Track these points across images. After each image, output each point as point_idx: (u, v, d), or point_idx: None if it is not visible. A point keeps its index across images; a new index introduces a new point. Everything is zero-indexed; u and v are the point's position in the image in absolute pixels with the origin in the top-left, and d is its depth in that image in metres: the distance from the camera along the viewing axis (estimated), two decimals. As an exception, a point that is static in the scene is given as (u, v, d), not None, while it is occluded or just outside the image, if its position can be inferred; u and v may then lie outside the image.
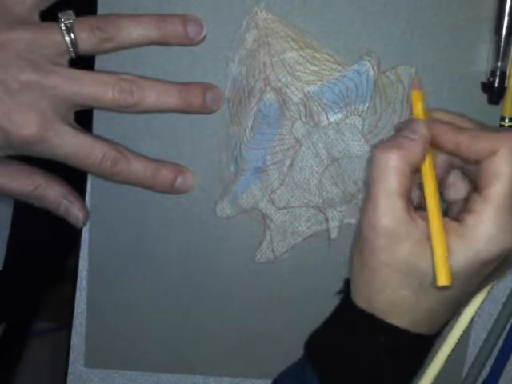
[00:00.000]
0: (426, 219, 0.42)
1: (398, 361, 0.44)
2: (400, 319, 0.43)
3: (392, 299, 0.43)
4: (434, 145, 0.43)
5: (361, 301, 0.44)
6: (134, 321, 0.55)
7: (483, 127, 0.44)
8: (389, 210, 0.42)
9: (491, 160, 0.41)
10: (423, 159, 0.43)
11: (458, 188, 0.46)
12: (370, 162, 0.43)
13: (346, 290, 0.46)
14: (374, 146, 0.43)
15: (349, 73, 0.51)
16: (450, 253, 0.41)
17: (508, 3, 0.49)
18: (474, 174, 0.44)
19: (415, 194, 0.45)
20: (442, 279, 0.40)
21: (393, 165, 0.42)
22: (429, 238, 0.41)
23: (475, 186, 0.43)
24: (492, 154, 0.41)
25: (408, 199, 0.42)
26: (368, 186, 0.43)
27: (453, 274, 0.41)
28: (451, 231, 0.41)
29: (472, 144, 0.42)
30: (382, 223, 0.42)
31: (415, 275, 0.42)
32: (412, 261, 0.42)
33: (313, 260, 0.54)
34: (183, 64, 0.51)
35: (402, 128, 0.44)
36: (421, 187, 0.44)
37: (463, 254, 0.41)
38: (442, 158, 0.45)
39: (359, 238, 0.43)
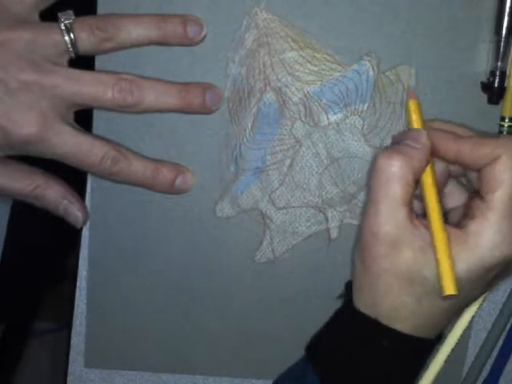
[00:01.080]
0: (427, 226, 0.42)
1: (400, 364, 0.44)
2: (403, 324, 0.43)
3: (396, 305, 0.42)
4: (434, 154, 0.43)
5: (364, 306, 0.44)
6: (134, 321, 0.55)
7: (482, 134, 0.44)
8: (391, 217, 0.41)
9: (493, 166, 0.41)
10: (425, 168, 0.43)
11: (454, 196, 0.46)
12: (373, 168, 0.42)
13: (348, 294, 0.46)
14: (377, 153, 0.42)
15: (349, 73, 0.51)
16: (453, 260, 0.41)
17: (508, 3, 0.49)
18: (474, 180, 0.44)
19: (415, 204, 0.44)
20: (449, 289, 0.40)
21: (396, 171, 0.41)
22: (431, 246, 0.41)
23: (476, 193, 0.43)
24: (494, 160, 0.41)
25: (410, 207, 0.42)
26: (370, 191, 0.42)
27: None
28: (453, 238, 0.41)
29: (473, 151, 0.42)
30: (383, 230, 0.41)
31: (418, 282, 0.42)
32: (415, 268, 0.41)
33: (313, 260, 0.54)
34: (183, 64, 0.51)
35: (403, 138, 0.43)
36: (420, 197, 0.44)
37: (466, 260, 0.41)
38: (440, 167, 0.45)
39: (360, 244, 0.43)
